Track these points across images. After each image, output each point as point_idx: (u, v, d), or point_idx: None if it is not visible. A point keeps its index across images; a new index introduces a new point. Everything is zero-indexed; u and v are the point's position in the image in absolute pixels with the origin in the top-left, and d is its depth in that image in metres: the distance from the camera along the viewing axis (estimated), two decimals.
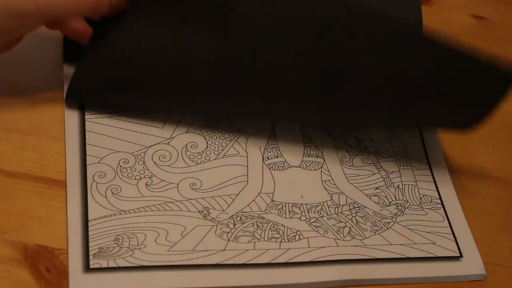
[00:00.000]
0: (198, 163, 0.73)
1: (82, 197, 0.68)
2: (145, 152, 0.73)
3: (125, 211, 0.68)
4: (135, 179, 0.71)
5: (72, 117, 0.73)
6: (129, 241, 0.66)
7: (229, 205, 0.71)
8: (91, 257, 0.65)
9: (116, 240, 0.66)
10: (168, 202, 0.70)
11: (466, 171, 0.79)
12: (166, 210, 0.69)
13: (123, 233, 0.67)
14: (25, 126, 0.72)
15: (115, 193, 0.69)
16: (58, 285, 0.63)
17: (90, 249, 0.65)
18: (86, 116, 0.74)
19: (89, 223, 0.67)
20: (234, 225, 0.69)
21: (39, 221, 0.67)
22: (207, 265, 0.66)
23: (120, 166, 0.71)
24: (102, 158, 0.71)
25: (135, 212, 0.68)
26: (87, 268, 0.64)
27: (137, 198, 0.69)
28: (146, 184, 0.70)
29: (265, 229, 0.70)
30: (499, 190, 0.79)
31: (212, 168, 0.73)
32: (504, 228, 0.75)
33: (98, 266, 0.64)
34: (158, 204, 0.69)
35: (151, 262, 0.65)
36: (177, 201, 0.70)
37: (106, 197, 0.69)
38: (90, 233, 0.66)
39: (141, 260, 0.65)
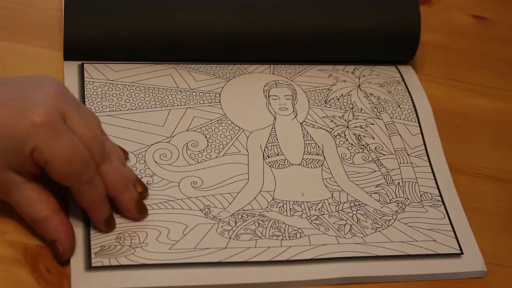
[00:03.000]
0: (199, 161, 0.73)
1: None
2: (145, 151, 0.73)
3: None
4: None
5: None
6: (131, 239, 0.66)
7: (230, 203, 0.71)
8: (92, 255, 0.65)
9: (118, 238, 0.66)
10: (169, 200, 0.70)
11: (466, 171, 0.79)
12: (167, 208, 0.69)
13: (124, 232, 0.67)
14: None
15: None
16: (58, 285, 0.63)
17: (92, 247, 0.65)
18: None
19: (91, 221, 0.67)
20: (235, 223, 0.69)
21: None
22: (208, 263, 0.66)
23: None
24: None
25: None
26: (89, 267, 0.64)
27: None
28: (147, 183, 0.70)
29: (266, 227, 0.70)
30: (499, 190, 0.79)
31: (213, 167, 0.73)
32: (504, 228, 0.75)
33: (100, 264, 0.64)
34: (160, 203, 0.69)
35: (152, 261, 0.65)
36: (178, 199, 0.70)
37: None
38: (91, 231, 0.66)
39: (143, 259, 0.65)
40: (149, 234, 0.67)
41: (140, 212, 0.67)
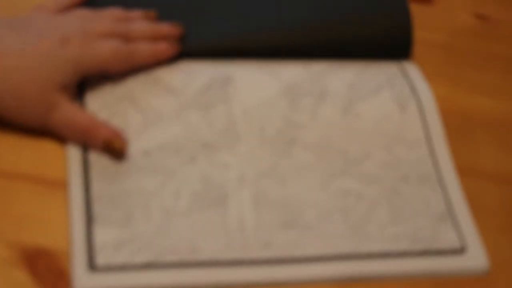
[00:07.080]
0: None
1: (84, 194, 0.68)
2: None
3: None
4: None
5: None
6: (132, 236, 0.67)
7: None
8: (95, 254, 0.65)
9: (119, 235, 0.66)
10: None
11: (467, 171, 0.79)
12: None
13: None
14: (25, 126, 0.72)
15: None
16: (57, 286, 0.63)
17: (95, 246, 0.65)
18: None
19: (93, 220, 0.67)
20: None
21: (38, 222, 0.67)
22: (208, 262, 0.66)
23: None
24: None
25: None
26: (92, 266, 0.64)
27: None
28: None
29: None
30: (502, 190, 0.78)
31: None
32: (505, 229, 0.75)
33: (102, 263, 0.64)
34: None
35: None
36: None
37: None
38: (94, 230, 0.66)
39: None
40: None
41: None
